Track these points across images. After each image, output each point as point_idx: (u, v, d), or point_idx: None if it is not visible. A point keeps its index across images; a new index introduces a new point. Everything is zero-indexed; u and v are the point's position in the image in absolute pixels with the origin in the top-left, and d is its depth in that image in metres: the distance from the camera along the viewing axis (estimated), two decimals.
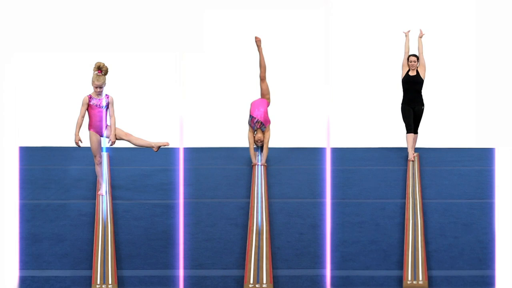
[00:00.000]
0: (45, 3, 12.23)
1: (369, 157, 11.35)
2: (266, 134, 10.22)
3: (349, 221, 7.93)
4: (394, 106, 11.33)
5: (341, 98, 12.42)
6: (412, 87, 10.82)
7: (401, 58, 10.95)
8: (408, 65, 10.84)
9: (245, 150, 10.88)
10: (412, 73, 10.83)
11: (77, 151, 10.99)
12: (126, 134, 8.69)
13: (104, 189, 8.66)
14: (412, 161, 10.50)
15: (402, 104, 10.90)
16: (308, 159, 11.17)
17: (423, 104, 10.87)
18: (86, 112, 8.55)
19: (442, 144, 12.15)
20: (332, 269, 6.67)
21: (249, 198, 8.72)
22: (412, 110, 10.83)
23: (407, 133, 10.86)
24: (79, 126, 8.55)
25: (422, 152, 11.14)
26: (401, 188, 9.18)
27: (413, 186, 9.14)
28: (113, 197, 8.77)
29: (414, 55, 10.86)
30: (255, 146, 10.28)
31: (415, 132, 10.91)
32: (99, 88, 8.45)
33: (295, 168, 10.51)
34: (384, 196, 8.92)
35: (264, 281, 6.39)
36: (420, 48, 10.95)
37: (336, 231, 7.57)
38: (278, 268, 6.72)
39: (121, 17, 12.27)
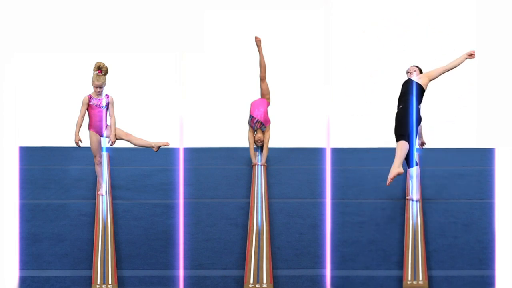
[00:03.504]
0: (45, 3, 12.23)
1: (369, 157, 11.35)
2: (266, 134, 10.22)
3: (349, 221, 7.93)
4: (394, 106, 11.32)
5: (341, 98, 12.42)
6: (407, 94, 8.38)
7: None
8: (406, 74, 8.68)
9: (245, 150, 10.88)
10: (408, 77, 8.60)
11: (77, 151, 10.99)
12: (126, 134, 8.69)
13: (104, 189, 8.66)
14: (412, 200, 8.22)
15: (395, 123, 8.48)
16: (308, 159, 11.17)
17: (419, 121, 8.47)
18: (86, 112, 8.56)
19: (442, 144, 12.15)
20: (332, 269, 6.67)
21: (249, 198, 8.73)
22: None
23: (396, 140, 8.33)
24: (79, 126, 8.55)
25: (422, 152, 11.14)
26: (401, 188, 9.18)
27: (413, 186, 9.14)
28: (113, 197, 8.77)
29: (416, 66, 8.70)
30: (255, 146, 10.28)
31: (411, 166, 8.36)
32: (99, 88, 8.45)
33: (295, 168, 10.51)
34: (384, 196, 8.92)
35: (264, 281, 6.39)
36: (453, 64, 8.57)
37: (336, 231, 7.57)
38: (278, 268, 6.71)
39: (121, 17, 12.27)
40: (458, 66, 8.68)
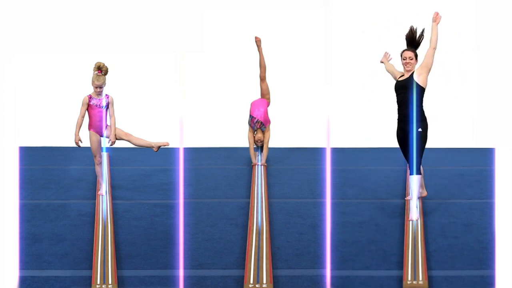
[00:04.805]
0: (45, 3, 12.23)
1: (369, 157, 11.35)
2: (266, 134, 10.22)
3: (349, 221, 7.93)
4: (394, 106, 11.31)
5: (341, 98, 12.42)
6: (405, 97, 7.77)
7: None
8: (402, 65, 7.89)
9: (245, 150, 10.88)
10: (406, 76, 7.87)
11: (77, 151, 10.99)
12: (126, 134, 8.69)
13: (104, 189, 8.66)
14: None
15: (397, 127, 8.04)
16: (308, 159, 11.17)
17: (423, 125, 7.79)
18: (86, 112, 8.56)
19: (442, 144, 12.15)
20: (332, 269, 6.67)
21: (249, 198, 8.73)
22: (408, 135, 7.82)
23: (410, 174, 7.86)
24: (79, 126, 8.55)
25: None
26: (401, 188, 9.18)
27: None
28: (113, 197, 8.77)
29: (411, 50, 7.87)
30: (255, 146, 10.29)
31: (417, 172, 7.76)
32: (99, 88, 8.45)
33: (295, 168, 10.51)
34: (384, 196, 8.92)
35: (264, 281, 6.39)
36: (433, 39, 7.80)
37: (336, 231, 7.57)
38: (278, 268, 6.71)
39: (121, 17, 12.27)
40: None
